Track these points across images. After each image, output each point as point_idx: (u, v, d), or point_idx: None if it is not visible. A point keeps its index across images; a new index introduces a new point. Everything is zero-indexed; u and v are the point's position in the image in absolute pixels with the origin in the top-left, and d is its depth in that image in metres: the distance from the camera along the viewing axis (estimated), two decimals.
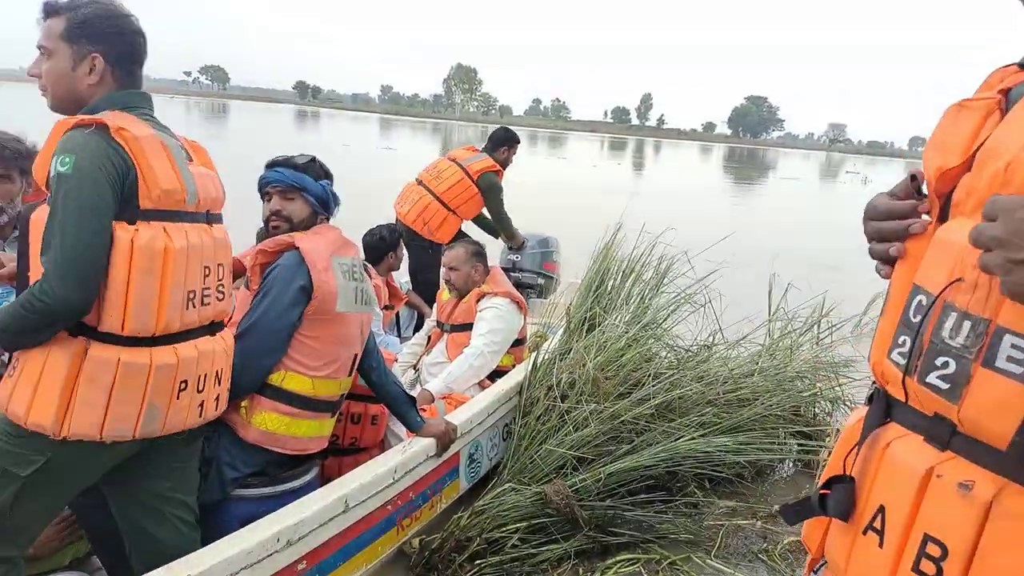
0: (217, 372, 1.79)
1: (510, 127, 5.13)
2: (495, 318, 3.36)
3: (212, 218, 1.79)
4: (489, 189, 4.72)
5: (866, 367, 4.11)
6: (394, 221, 4.38)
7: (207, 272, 1.72)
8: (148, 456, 1.75)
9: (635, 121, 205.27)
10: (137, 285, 1.56)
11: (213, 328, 1.80)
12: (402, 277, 4.50)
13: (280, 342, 2.13)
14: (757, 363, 3.81)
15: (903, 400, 0.95)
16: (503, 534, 2.70)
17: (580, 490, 2.87)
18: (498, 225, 4.93)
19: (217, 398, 1.84)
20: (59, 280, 1.47)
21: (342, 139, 33.64)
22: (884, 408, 0.99)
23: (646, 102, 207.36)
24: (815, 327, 4.29)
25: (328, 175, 2.38)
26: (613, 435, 3.06)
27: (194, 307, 1.68)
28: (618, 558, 2.83)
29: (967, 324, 0.84)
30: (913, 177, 0.99)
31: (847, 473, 1.02)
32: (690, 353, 3.83)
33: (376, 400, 2.61)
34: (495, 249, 4.66)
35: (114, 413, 1.58)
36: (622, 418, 3.05)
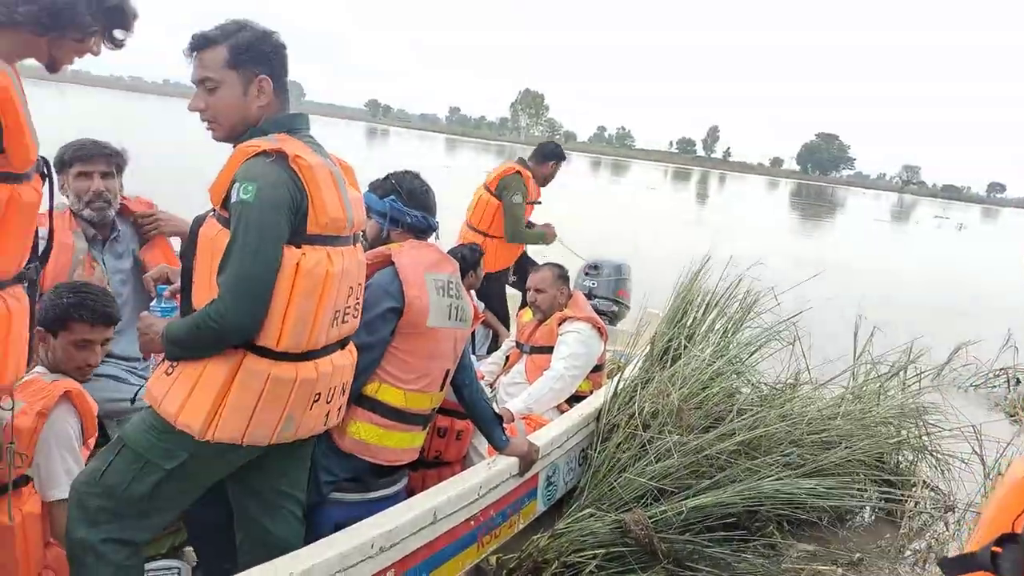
0: (344, 384, 1.87)
1: (550, 141, 4.94)
2: (577, 342, 3.35)
3: (356, 239, 1.87)
4: (503, 189, 4.44)
5: (956, 418, 3.97)
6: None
7: (350, 292, 1.79)
8: (270, 455, 1.80)
9: (700, 152, 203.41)
10: (297, 306, 1.62)
11: (344, 342, 1.87)
12: None
13: (373, 359, 2.17)
14: (841, 405, 3.70)
15: None
16: (580, 559, 2.68)
17: (659, 521, 2.82)
18: (511, 234, 4.43)
19: (340, 407, 1.91)
20: (234, 303, 1.55)
21: (403, 155, 34.35)
22: None
23: (713, 134, 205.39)
24: (902, 372, 4.14)
25: (400, 191, 2.37)
26: (694, 469, 3.00)
27: (337, 325, 1.76)
28: None
29: None
30: None
31: (1016, 530, 0.98)
32: (774, 391, 3.75)
33: (463, 416, 2.63)
34: (570, 272, 4.66)
35: (257, 421, 1.65)
36: (705, 452, 3.00)
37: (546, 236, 4.69)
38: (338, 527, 2.01)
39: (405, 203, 2.35)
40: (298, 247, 1.63)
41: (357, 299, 1.86)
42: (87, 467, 1.73)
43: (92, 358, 2.04)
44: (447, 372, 2.37)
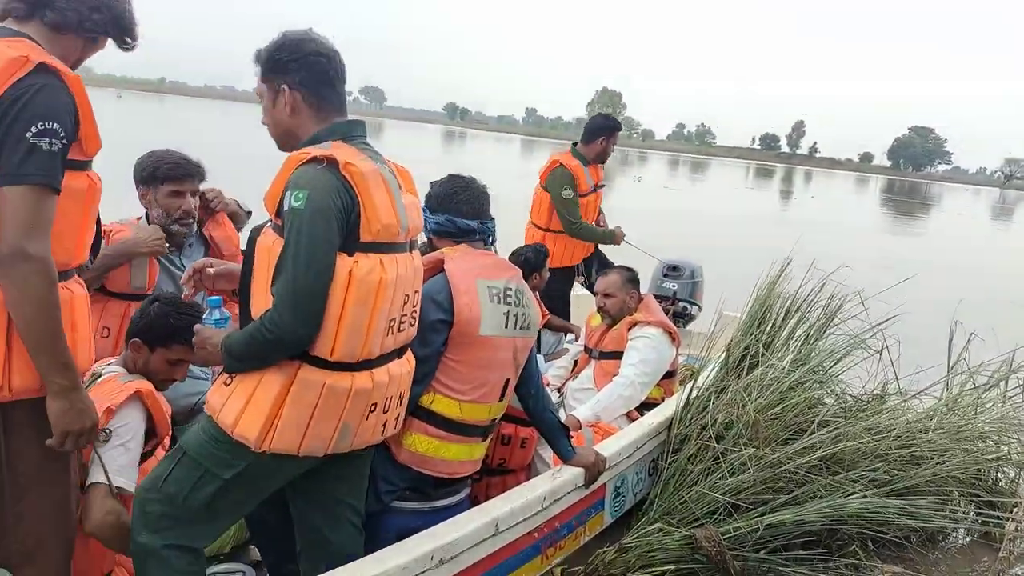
0: (401, 393, 1.84)
1: (598, 115, 4.75)
2: (647, 348, 3.26)
3: (412, 245, 1.83)
4: (550, 184, 4.36)
5: None
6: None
7: (406, 300, 1.76)
8: (328, 464, 1.80)
9: (785, 149, 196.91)
10: (350, 315, 1.61)
11: (402, 351, 1.85)
12: None
13: (426, 371, 2.12)
14: (934, 418, 3.46)
15: None
16: (649, 575, 2.59)
17: (732, 538, 2.71)
18: (567, 228, 4.34)
19: (397, 417, 1.88)
20: (289, 312, 1.55)
21: (481, 157, 34.55)
22: None
23: (798, 129, 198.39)
24: (1002, 383, 3.85)
25: (429, 197, 2.34)
26: (771, 483, 2.86)
27: (392, 334, 1.73)
28: None
29: None
30: None
31: None
32: (860, 402, 3.54)
33: (527, 423, 2.59)
34: (647, 275, 4.55)
35: (312, 431, 1.65)
36: (784, 466, 2.85)
37: (615, 236, 4.60)
38: (400, 536, 1.99)
39: (434, 209, 2.30)
40: (351, 255, 1.62)
41: (414, 307, 1.83)
42: (151, 473, 1.77)
43: (180, 374, 2.13)
44: (507, 381, 2.30)
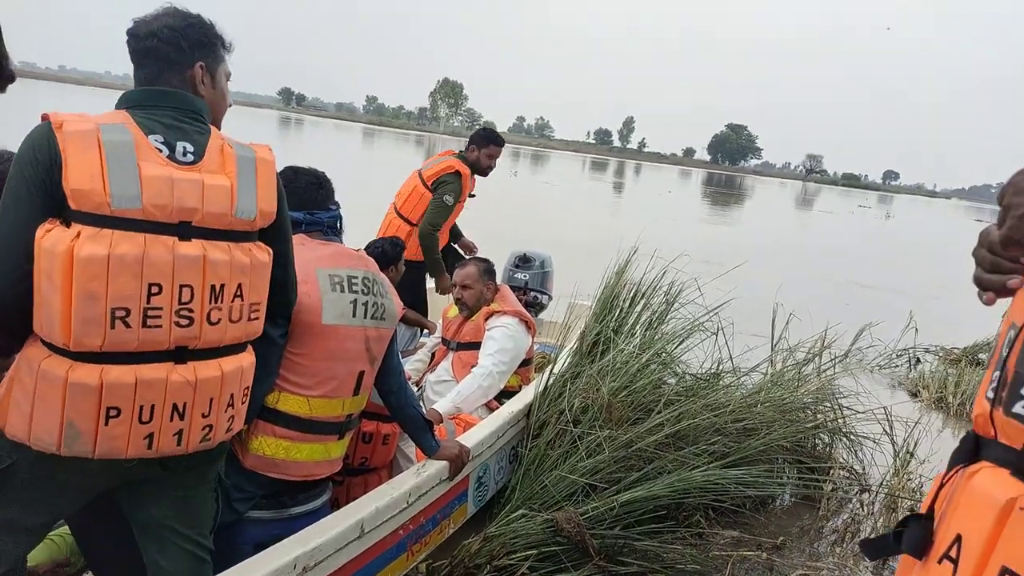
0: (182, 404, 1.54)
1: (485, 128, 4.65)
2: (505, 338, 3.30)
3: (198, 232, 1.54)
4: (439, 186, 4.28)
5: (866, 399, 4.13)
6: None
7: (155, 291, 1.48)
8: (149, 482, 1.65)
9: (617, 143, 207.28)
10: (42, 288, 1.43)
11: (182, 355, 1.55)
12: None
13: (269, 367, 1.97)
14: (761, 393, 3.79)
15: (993, 436, 0.93)
16: (512, 561, 2.63)
17: (591, 518, 2.80)
18: (423, 230, 4.24)
19: (180, 432, 1.57)
20: None
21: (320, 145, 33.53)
22: (972, 447, 0.98)
23: (628, 125, 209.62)
24: (817, 358, 4.28)
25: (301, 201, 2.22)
26: (624, 462, 3.00)
27: (128, 327, 1.46)
28: None
29: None
30: None
31: (928, 509, 1.02)
32: (699, 381, 3.80)
33: (389, 419, 2.53)
34: (498, 265, 4.59)
35: (36, 421, 1.47)
36: (635, 446, 3.00)
37: (441, 283, 4.44)
38: (258, 547, 1.87)
39: None
40: (67, 224, 1.44)
41: (185, 303, 1.52)
42: None
43: None
44: (361, 374, 2.20)
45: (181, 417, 1.55)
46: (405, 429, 2.45)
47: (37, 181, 1.44)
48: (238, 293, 1.60)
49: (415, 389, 3.48)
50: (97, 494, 1.64)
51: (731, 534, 3.24)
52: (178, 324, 1.52)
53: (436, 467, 2.45)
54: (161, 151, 1.53)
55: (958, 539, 0.91)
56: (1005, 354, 0.91)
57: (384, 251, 3.56)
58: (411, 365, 3.69)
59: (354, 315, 2.15)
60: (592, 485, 2.90)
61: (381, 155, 35.33)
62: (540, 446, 3.03)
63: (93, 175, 1.43)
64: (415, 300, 4.44)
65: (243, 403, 1.70)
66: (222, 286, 1.57)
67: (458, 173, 4.35)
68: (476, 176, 4.58)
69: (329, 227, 2.28)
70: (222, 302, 1.57)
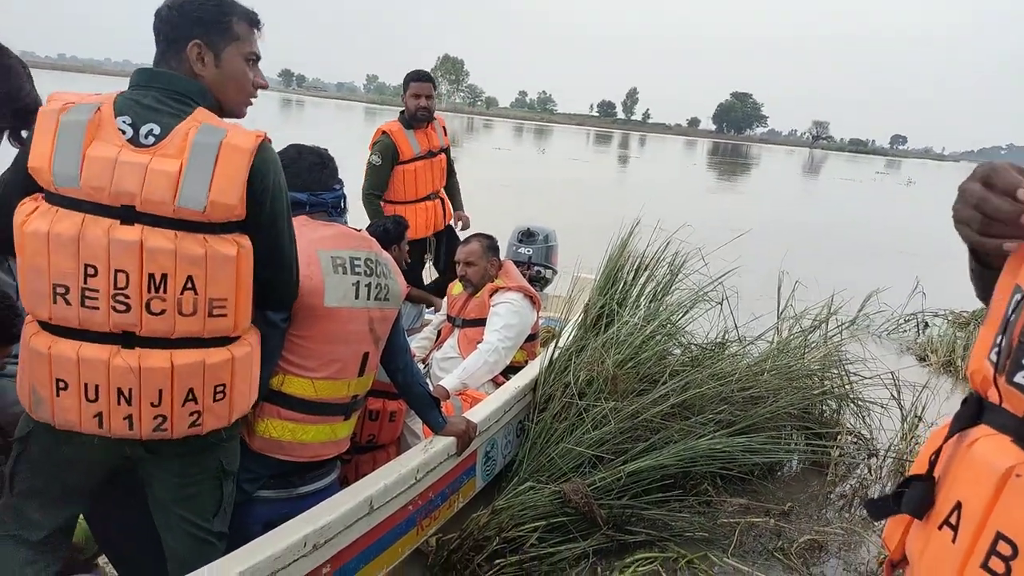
0: (127, 390, 1.53)
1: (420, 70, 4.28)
2: (509, 313, 3.30)
3: (144, 218, 1.50)
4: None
5: (873, 365, 4.13)
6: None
7: (91, 272, 1.48)
8: (147, 463, 1.69)
9: (621, 115, 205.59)
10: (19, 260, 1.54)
11: (131, 341, 1.54)
12: None
13: (271, 350, 1.97)
14: (768, 361, 3.79)
15: (997, 402, 0.92)
16: (521, 533, 2.66)
17: (598, 489, 2.83)
18: (364, 189, 4.13)
19: (161, 417, 1.58)
20: None
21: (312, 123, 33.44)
22: (975, 411, 0.97)
23: (632, 96, 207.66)
24: (823, 325, 4.28)
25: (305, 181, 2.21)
26: (630, 433, 3.02)
27: (68, 304, 1.49)
28: (636, 556, 2.80)
29: None
30: None
31: (930, 472, 1.02)
32: (704, 351, 3.80)
33: (395, 396, 2.54)
34: (503, 241, 4.59)
35: (19, 382, 1.61)
36: (641, 416, 3.01)
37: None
38: (268, 526, 1.90)
39: None
40: (47, 200, 1.53)
41: (120, 288, 1.49)
42: None
43: None
44: (366, 355, 2.20)
45: (128, 402, 1.55)
46: (412, 406, 2.47)
47: (23, 156, 1.53)
48: (189, 285, 1.54)
49: (421, 367, 3.50)
50: (104, 471, 1.69)
51: (739, 501, 3.26)
52: (115, 309, 1.51)
53: (443, 443, 2.47)
54: (124, 132, 1.52)
55: (958, 506, 0.92)
56: (1012, 318, 0.88)
57: (387, 230, 3.56)
58: (417, 343, 3.71)
59: (357, 297, 2.14)
60: (599, 456, 2.93)
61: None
62: (546, 419, 3.04)
63: (44, 154, 1.48)
64: (415, 278, 4.45)
65: (217, 400, 1.64)
66: (163, 276, 1.51)
67: (384, 133, 4.18)
68: (429, 128, 4.31)
69: (333, 207, 2.27)
70: (165, 292, 1.52)
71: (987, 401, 0.95)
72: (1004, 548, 0.83)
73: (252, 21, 1.68)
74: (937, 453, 1.02)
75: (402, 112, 4.30)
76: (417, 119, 4.21)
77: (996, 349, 0.91)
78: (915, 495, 1.00)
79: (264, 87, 1.76)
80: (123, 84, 1.67)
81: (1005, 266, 0.96)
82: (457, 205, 4.76)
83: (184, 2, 1.60)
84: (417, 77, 4.22)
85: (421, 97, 4.19)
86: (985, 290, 1.03)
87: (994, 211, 0.88)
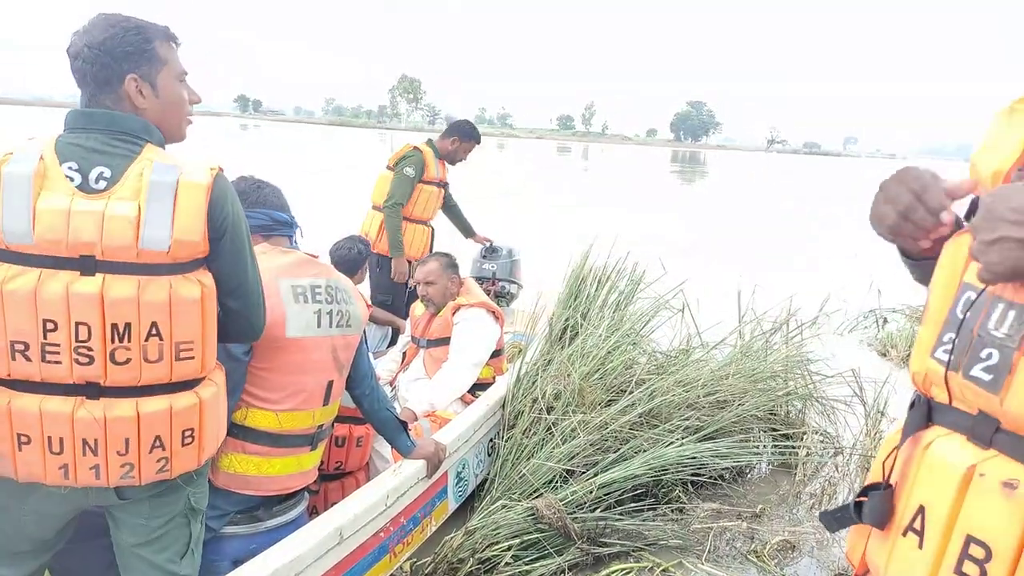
0: (92, 440, 1.50)
1: (467, 120, 4.64)
2: (473, 330, 3.30)
3: (105, 266, 1.46)
4: (398, 163, 4.32)
5: (835, 363, 4.21)
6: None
7: (51, 327, 1.44)
8: (115, 509, 1.64)
9: (580, 128, 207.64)
10: None
11: (95, 392, 1.50)
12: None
13: (234, 384, 1.94)
14: (732, 364, 3.84)
15: (947, 402, 0.94)
16: (496, 552, 2.64)
17: (570, 503, 2.83)
18: (385, 203, 4.29)
19: (128, 465, 1.54)
20: None
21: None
22: (925, 412, 0.98)
23: (589, 109, 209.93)
24: (784, 326, 4.35)
25: (252, 200, 2.16)
26: (600, 445, 3.03)
27: (28, 360, 1.45)
28: (612, 568, 2.80)
29: (1012, 314, 0.84)
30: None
31: (886, 480, 1.02)
32: (669, 358, 3.84)
33: (361, 421, 2.52)
34: (465, 258, 4.60)
35: None
36: (609, 427, 3.03)
37: (400, 260, 4.38)
38: (236, 563, 1.86)
39: (251, 205, 2.12)
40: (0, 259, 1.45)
41: (82, 340, 1.46)
42: None
43: None
44: (330, 384, 2.17)
45: (94, 453, 1.50)
46: (380, 431, 2.44)
47: None
48: (154, 332, 1.50)
49: (388, 389, 3.48)
50: (70, 519, 1.64)
51: (711, 506, 3.28)
52: (78, 362, 1.46)
53: (413, 467, 2.45)
54: (72, 179, 1.47)
55: (921, 510, 0.92)
56: (961, 316, 0.90)
57: (359, 251, 3.51)
58: (383, 366, 3.68)
59: (319, 325, 2.11)
60: (570, 470, 2.93)
61: (344, 156, 35.01)
62: (516, 436, 3.04)
63: None
64: (388, 298, 4.46)
65: (186, 444, 1.60)
66: (127, 325, 1.47)
67: (417, 149, 4.39)
68: (447, 164, 4.59)
69: (288, 225, 2.25)
70: (129, 341, 1.48)
71: (935, 402, 0.97)
72: (977, 551, 0.83)
73: (170, 38, 1.64)
74: (892, 459, 1.03)
75: (431, 140, 4.56)
76: (450, 160, 4.56)
77: (945, 347, 0.93)
78: (875, 504, 1.00)
79: (198, 102, 1.72)
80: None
81: (940, 265, 0.99)
82: (471, 230, 5.00)
83: (106, 38, 1.53)
84: (479, 139, 4.63)
85: (469, 152, 4.62)
86: (923, 274, 1.08)
87: (920, 220, 0.97)
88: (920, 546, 0.91)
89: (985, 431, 0.86)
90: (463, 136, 4.53)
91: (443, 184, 4.63)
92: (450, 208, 4.86)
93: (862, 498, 1.04)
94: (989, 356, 0.85)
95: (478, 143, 4.63)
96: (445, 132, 4.58)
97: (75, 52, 1.55)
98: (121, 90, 1.55)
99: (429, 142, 4.56)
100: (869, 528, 1.05)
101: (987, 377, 0.85)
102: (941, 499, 0.88)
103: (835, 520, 1.09)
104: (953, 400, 0.93)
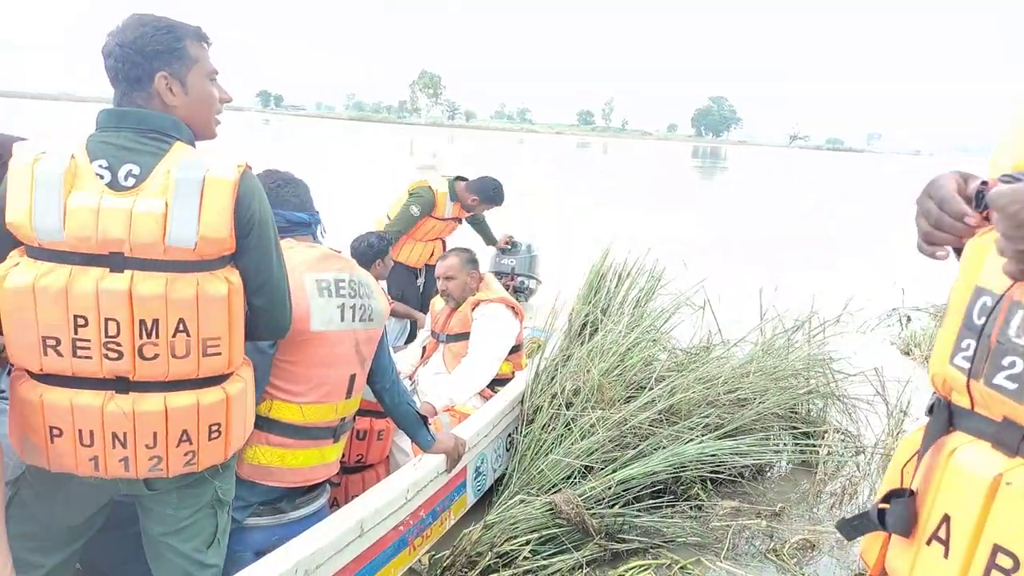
0: (122, 433, 1.53)
1: (501, 187, 4.58)
2: (492, 326, 3.30)
3: (133, 263, 1.49)
4: (412, 193, 4.45)
5: (857, 361, 4.16)
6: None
7: (81, 322, 1.47)
8: (143, 499, 1.68)
9: (599, 123, 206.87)
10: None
11: (124, 386, 1.54)
12: None
13: (259, 377, 1.94)
14: (752, 362, 3.81)
15: (968, 407, 0.93)
16: (514, 547, 2.65)
17: (589, 498, 2.83)
18: (392, 227, 4.38)
19: (156, 458, 1.57)
20: None
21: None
22: (947, 417, 0.97)
23: (609, 104, 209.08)
24: (806, 324, 4.31)
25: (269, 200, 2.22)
26: (619, 441, 3.03)
27: (60, 355, 1.49)
28: (630, 565, 2.80)
29: None
30: (983, 185, 0.97)
31: (906, 486, 1.01)
32: (689, 355, 3.82)
33: (382, 415, 2.54)
34: (484, 253, 4.62)
35: (11, 431, 1.59)
36: (628, 424, 3.02)
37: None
38: (259, 554, 1.89)
39: None
40: (28, 255, 1.50)
41: (111, 336, 1.49)
42: None
43: None
44: (352, 377, 2.20)
45: (123, 445, 1.54)
46: (400, 425, 2.46)
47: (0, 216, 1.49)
48: (181, 328, 1.52)
49: (408, 383, 3.50)
50: (100, 508, 1.68)
51: (730, 504, 3.27)
52: (107, 357, 1.50)
53: (433, 461, 2.47)
54: (103, 177, 1.50)
55: (946, 519, 0.90)
56: (981, 322, 0.89)
57: (371, 243, 3.53)
58: (404, 360, 3.70)
59: (342, 319, 2.13)
60: (588, 466, 2.93)
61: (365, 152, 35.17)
62: (535, 431, 3.05)
63: (22, 209, 1.45)
64: (408, 300, 4.53)
65: (212, 439, 1.63)
66: (155, 321, 1.50)
67: (430, 188, 4.45)
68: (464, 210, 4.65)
69: (316, 224, 2.28)
70: (157, 337, 1.51)
71: (956, 407, 0.95)
72: (1004, 561, 0.82)
73: (201, 37, 1.66)
74: (911, 463, 1.01)
75: (452, 184, 4.54)
76: (467, 210, 4.61)
77: (964, 354, 0.91)
78: (900, 512, 0.98)
79: (229, 101, 1.75)
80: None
81: (960, 265, 0.98)
82: (492, 239, 5.10)
83: (136, 37, 1.56)
84: (500, 203, 4.63)
85: (481, 209, 4.67)
86: None
87: (949, 228, 0.96)
88: (946, 556, 0.90)
89: (1011, 439, 0.85)
90: (484, 199, 4.55)
91: (456, 219, 4.70)
92: (477, 222, 5.00)
93: (884, 504, 1.02)
94: (1012, 364, 0.84)
95: (499, 205, 4.64)
96: (469, 185, 4.56)
97: (107, 51, 1.58)
98: (152, 88, 1.58)
99: (451, 182, 4.56)
100: (887, 533, 1.03)
101: (1012, 386, 0.84)
102: (967, 508, 0.87)
103: (853, 528, 1.08)
104: (975, 406, 0.91)
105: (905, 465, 1.03)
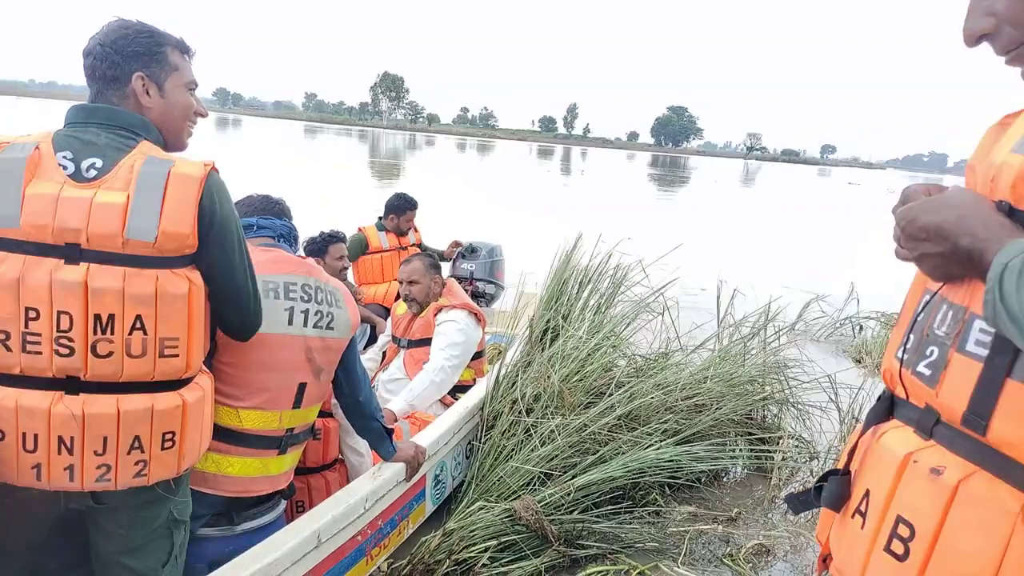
0: (68, 438, 1.46)
1: (405, 194, 4.94)
2: (454, 332, 3.29)
3: (90, 256, 1.44)
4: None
5: (811, 368, 4.25)
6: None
7: (33, 315, 1.41)
8: (94, 515, 1.61)
9: (562, 130, 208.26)
10: None
11: (74, 386, 1.47)
12: None
13: None
14: (710, 369, 3.86)
15: (904, 397, 1.00)
16: (472, 554, 2.63)
17: (548, 504, 2.83)
18: None
19: (105, 467, 1.50)
20: None
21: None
22: (888, 406, 1.05)
23: (572, 111, 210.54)
24: (762, 331, 4.39)
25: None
26: (578, 447, 3.04)
27: (9, 351, 1.43)
28: (588, 571, 2.80)
29: (950, 313, 0.91)
30: None
31: (845, 466, 1.08)
32: (648, 361, 3.85)
33: (322, 413, 2.48)
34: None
35: None
36: (588, 430, 3.03)
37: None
38: (212, 566, 1.83)
39: None
40: None
41: (63, 331, 1.43)
42: None
43: None
44: (302, 386, 2.11)
45: (70, 451, 1.46)
46: (364, 437, 2.41)
47: None
48: (138, 326, 1.47)
49: None
50: (46, 526, 1.60)
51: (687, 509, 3.30)
52: (58, 353, 1.44)
53: (392, 470, 2.43)
54: (65, 168, 1.47)
55: (867, 494, 0.99)
56: (920, 316, 0.97)
57: (320, 233, 3.41)
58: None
59: (290, 323, 2.06)
60: (548, 472, 2.93)
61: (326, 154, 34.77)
62: (495, 437, 3.04)
63: None
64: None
65: (166, 448, 1.55)
66: (110, 316, 1.44)
67: (359, 231, 4.87)
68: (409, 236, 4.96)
69: (282, 236, 2.23)
70: (112, 334, 1.45)
71: (897, 397, 1.03)
72: (903, 530, 0.89)
73: (184, 49, 1.67)
74: (854, 448, 1.08)
75: (380, 219, 4.93)
76: (398, 233, 4.91)
77: (905, 347, 0.99)
78: (832, 489, 1.06)
79: (204, 115, 1.74)
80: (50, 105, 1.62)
81: (915, 275, 1.04)
82: (442, 255, 5.22)
83: (117, 37, 1.56)
84: (413, 206, 4.89)
85: (412, 219, 4.94)
86: None
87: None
88: (863, 527, 0.97)
89: (927, 423, 0.92)
90: (395, 210, 4.85)
91: (399, 248, 4.91)
92: (423, 249, 5.15)
93: (822, 482, 1.09)
94: (931, 353, 0.92)
95: (413, 209, 4.89)
96: (385, 211, 4.90)
97: (88, 50, 1.57)
98: (128, 88, 1.58)
99: (378, 220, 4.94)
100: (833, 515, 1.10)
101: (928, 372, 0.92)
102: (881, 483, 0.95)
103: (800, 503, 1.15)
104: (909, 396, 0.99)
105: (851, 449, 1.10)
